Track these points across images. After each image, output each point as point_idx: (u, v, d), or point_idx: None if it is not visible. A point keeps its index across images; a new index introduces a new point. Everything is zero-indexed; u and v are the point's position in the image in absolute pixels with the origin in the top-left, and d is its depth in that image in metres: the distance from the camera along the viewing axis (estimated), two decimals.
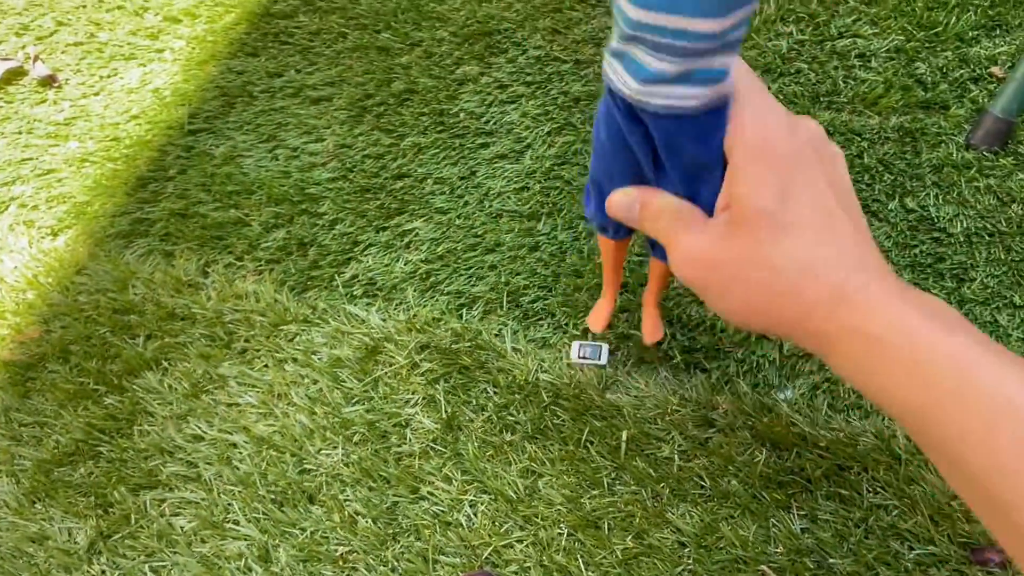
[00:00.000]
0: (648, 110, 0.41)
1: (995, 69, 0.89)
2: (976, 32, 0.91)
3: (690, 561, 0.60)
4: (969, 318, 0.71)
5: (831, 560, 0.60)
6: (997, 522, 0.30)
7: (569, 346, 0.71)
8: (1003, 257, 0.74)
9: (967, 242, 0.76)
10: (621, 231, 0.56)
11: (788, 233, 0.36)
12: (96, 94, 0.99)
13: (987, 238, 0.76)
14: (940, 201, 0.78)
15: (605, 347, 0.69)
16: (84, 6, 1.11)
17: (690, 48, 0.36)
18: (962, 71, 0.88)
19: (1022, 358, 0.32)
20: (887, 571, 0.59)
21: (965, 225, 0.77)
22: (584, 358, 0.69)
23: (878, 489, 0.63)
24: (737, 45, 0.38)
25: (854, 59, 0.90)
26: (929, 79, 0.87)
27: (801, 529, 0.61)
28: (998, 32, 0.92)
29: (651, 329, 0.67)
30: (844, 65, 0.89)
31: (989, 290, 0.73)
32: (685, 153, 0.44)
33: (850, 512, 0.61)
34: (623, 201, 0.43)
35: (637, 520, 0.62)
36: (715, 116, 0.40)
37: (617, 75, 0.40)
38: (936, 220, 0.77)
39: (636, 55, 0.38)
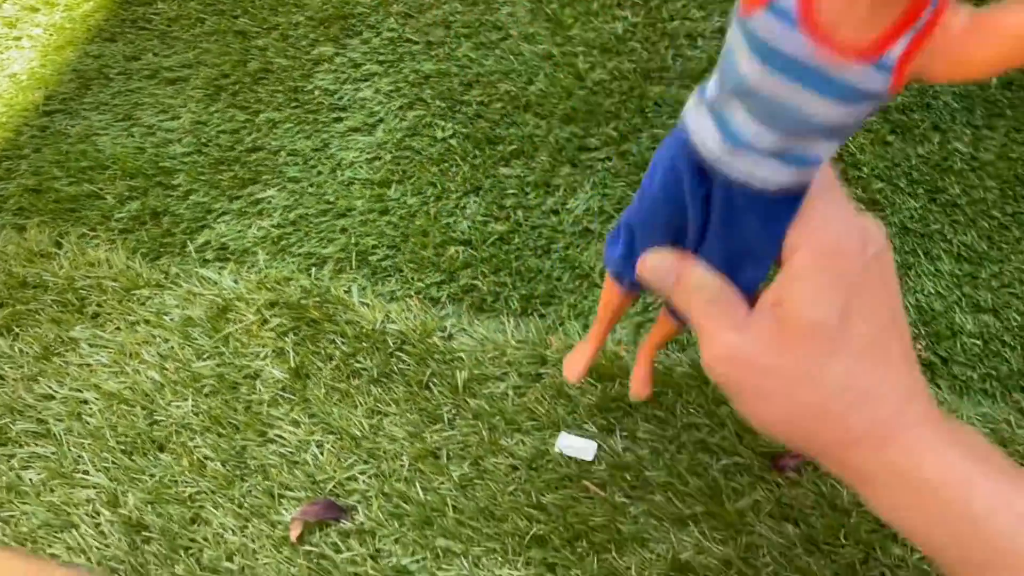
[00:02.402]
0: (721, 175, 0.35)
1: None
2: None
3: (522, 481, 0.65)
4: None
5: (647, 473, 0.65)
6: None
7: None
8: None
9: None
10: (637, 285, 0.47)
11: (844, 354, 0.33)
12: None
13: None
14: None
15: (594, 446, 0.67)
16: None
17: (802, 128, 0.32)
18: None
19: None
20: (696, 480, 0.65)
21: None
22: (569, 447, 0.67)
23: (690, 411, 0.69)
24: (848, 135, 0.34)
25: (683, 39, 0.98)
26: None
27: (623, 448, 0.67)
28: None
29: (640, 382, 0.57)
30: (674, 45, 0.97)
31: None
32: (742, 232, 0.38)
33: (665, 431, 0.67)
34: (659, 267, 0.39)
35: (474, 449, 0.67)
36: (787, 204, 0.36)
37: (700, 131, 0.35)
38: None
39: (735, 116, 0.33)
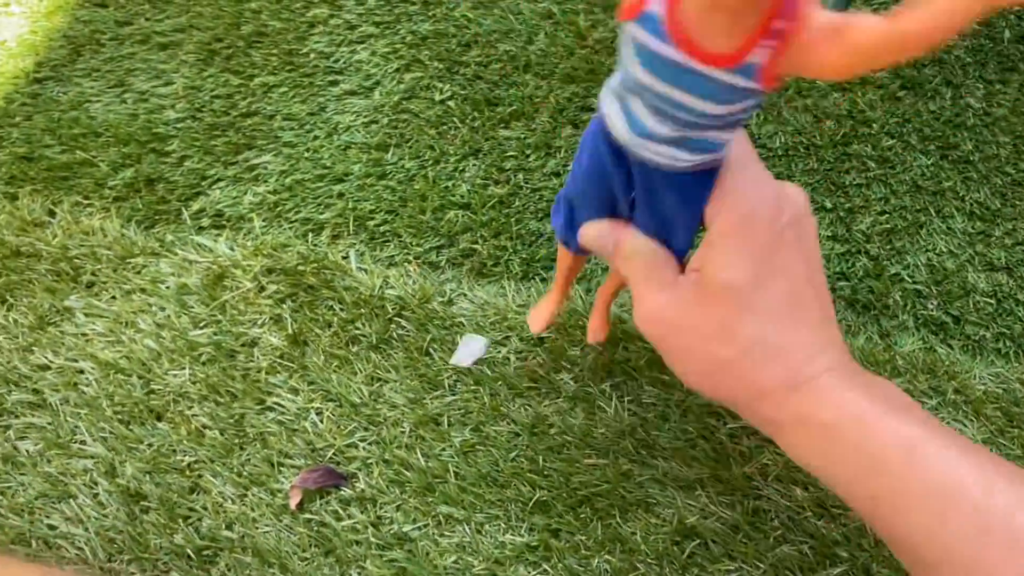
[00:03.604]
0: (635, 156, 0.38)
1: None
2: None
3: (524, 447, 0.64)
4: None
5: (652, 437, 0.64)
6: None
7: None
8: (816, 167, 0.81)
9: (785, 155, 0.82)
10: (583, 249, 0.51)
11: (754, 315, 0.35)
12: None
13: (803, 151, 0.82)
14: (762, 120, 0.84)
15: (484, 343, 0.69)
16: None
17: (691, 121, 0.34)
18: None
19: (968, 440, 0.33)
20: (703, 444, 0.64)
21: (783, 140, 0.82)
22: (468, 354, 0.68)
23: None
24: (740, 124, 0.36)
25: None
26: None
27: (627, 412, 0.66)
28: None
29: (596, 327, 0.61)
30: None
31: None
32: (664, 206, 0.41)
33: (671, 395, 0.66)
34: (596, 236, 0.42)
35: (475, 415, 0.66)
36: (702, 179, 0.39)
37: (611, 116, 0.38)
38: (758, 137, 0.83)
39: (634, 107, 0.36)
